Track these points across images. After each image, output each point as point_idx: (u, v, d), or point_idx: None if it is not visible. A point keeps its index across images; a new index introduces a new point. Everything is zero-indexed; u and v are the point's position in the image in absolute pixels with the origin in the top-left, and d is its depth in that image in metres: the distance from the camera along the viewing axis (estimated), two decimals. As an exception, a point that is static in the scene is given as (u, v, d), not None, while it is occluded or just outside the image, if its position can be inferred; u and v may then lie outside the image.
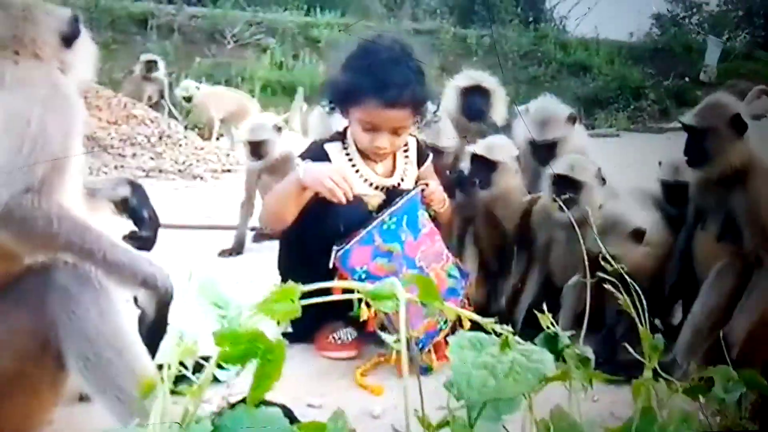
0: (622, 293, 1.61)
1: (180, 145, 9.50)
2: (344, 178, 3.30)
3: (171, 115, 11.02)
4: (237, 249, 5.56)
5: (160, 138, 9.36)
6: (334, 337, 3.45)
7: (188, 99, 11.15)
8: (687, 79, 19.40)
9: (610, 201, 3.35)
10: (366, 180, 3.51)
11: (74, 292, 2.15)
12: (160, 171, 8.87)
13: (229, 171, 8.79)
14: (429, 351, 3.24)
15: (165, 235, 2.63)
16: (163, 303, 2.29)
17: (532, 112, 4.01)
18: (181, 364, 1.31)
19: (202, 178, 8.91)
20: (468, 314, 1.43)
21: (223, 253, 5.49)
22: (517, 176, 3.79)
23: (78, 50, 2.36)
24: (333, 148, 3.55)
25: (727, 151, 3.09)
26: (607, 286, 1.59)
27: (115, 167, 8.63)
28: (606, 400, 2.75)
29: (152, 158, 9.09)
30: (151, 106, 10.51)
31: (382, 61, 3.36)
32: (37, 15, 2.36)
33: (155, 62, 11.40)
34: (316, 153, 3.55)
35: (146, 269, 2.23)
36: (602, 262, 1.73)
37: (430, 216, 3.48)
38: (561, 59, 19.93)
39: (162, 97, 11.27)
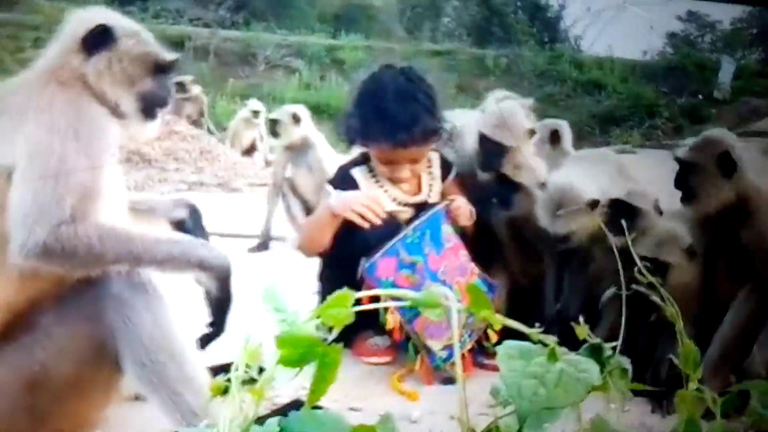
0: (666, 304, 1.58)
1: (219, 160, 9.63)
2: (374, 199, 3.30)
3: (210, 132, 11.09)
4: (264, 242, 5.90)
5: (201, 153, 9.50)
6: (370, 344, 3.45)
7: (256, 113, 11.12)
8: (701, 96, 19.18)
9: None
10: (395, 200, 3.50)
11: (128, 300, 2.16)
12: (202, 184, 8.99)
13: (264, 185, 8.85)
14: (452, 363, 3.23)
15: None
16: (223, 279, 2.31)
17: (497, 108, 3.69)
18: (247, 366, 1.34)
19: (240, 190, 9.04)
20: (515, 324, 1.41)
21: (253, 249, 5.82)
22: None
23: (105, 60, 2.31)
24: (359, 173, 3.53)
25: (711, 189, 2.93)
26: (654, 298, 1.56)
27: (159, 180, 8.78)
28: (636, 411, 2.74)
29: (194, 172, 9.21)
30: (191, 124, 10.60)
31: (390, 98, 3.31)
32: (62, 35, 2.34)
33: (182, 84, 11.39)
34: (344, 178, 3.54)
35: (199, 253, 2.25)
36: (637, 275, 1.69)
37: (457, 231, 3.45)
38: (576, 78, 19.83)
39: (201, 115, 11.34)
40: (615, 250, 1.61)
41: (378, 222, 3.22)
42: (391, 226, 3.35)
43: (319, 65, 18.53)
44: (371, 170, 3.52)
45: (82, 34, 2.32)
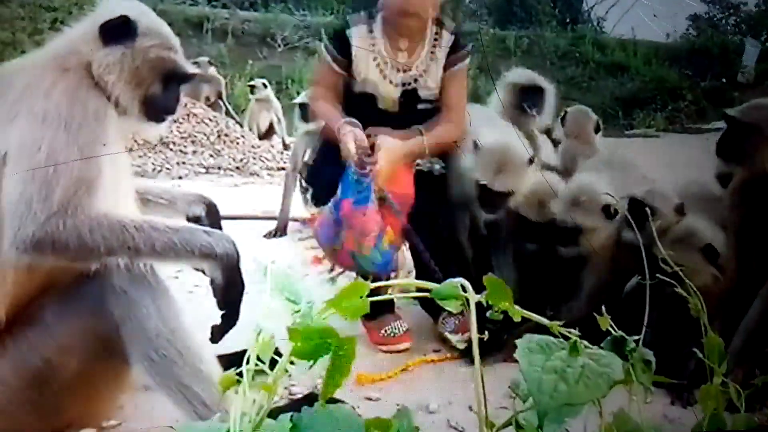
0: (690, 295, 1.54)
1: (237, 144, 9.59)
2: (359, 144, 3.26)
3: (228, 114, 11.06)
4: (281, 228, 5.77)
5: (219, 136, 9.47)
6: (386, 331, 3.45)
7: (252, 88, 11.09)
8: (724, 80, 18.96)
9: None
10: (382, 72, 3.47)
11: (131, 295, 2.13)
12: (220, 168, 8.97)
13: (282, 169, 8.84)
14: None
15: (225, 226, 2.60)
16: (229, 267, 2.23)
17: (491, 148, 3.49)
18: (258, 358, 1.31)
19: (258, 175, 9.01)
20: (536, 317, 1.38)
21: (268, 235, 5.71)
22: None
23: (119, 54, 2.24)
24: (357, 32, 3.49)
25: (763, 152, 2.92)
26: (678, 290, 1.53)
27: (177, 163, 8.78)
28: (657, 402, 2.69)
29: (212, 156, 9.19)
30: (209, 106, 10.57)
31: None
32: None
33: (197, 63, 11.35)
34: (338, 38, 3.50)
35: (201, 241, 2.18)
36: (662, 265, 1.66)
37: (383, 197, 3.35)
38: (598, 60, 19.66)
39: (219, 97, 11.29)
40: (641, 246, 1.57)
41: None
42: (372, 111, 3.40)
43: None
44: (371, 32, 3.48)
45: (103, 21, 2.28)
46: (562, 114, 4.33)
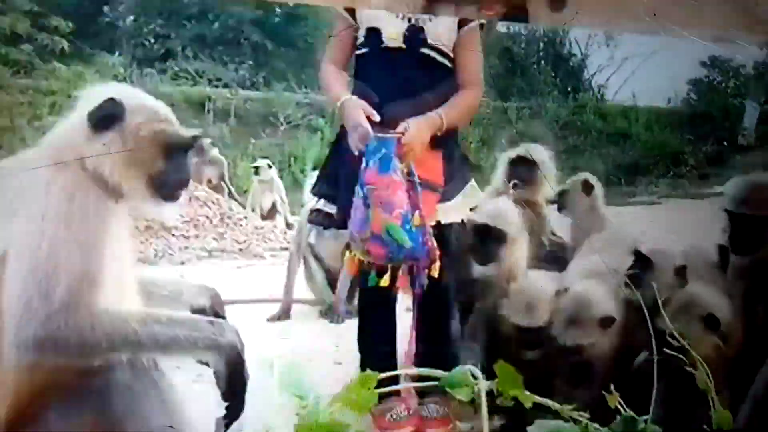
0: (697, 368, 1.56)
1: (240, 225, 9.65)
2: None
3: (231, 196, 11.18)
4: (284, 312, 5.76)
5: (222, 219, 9.55)
6: (392, 416, 3.41)
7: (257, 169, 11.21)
8: (725, 143, 19.14)
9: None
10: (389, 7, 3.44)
11: (135, 390, 2.10)
12: (223, 251, 9.01)
13: (285, 249, 8.90)
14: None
15: (229, 310, 2.60)
16: (233, 358, 2.19)
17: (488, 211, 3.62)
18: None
19: (261, 256, 9.06)
20: (548, 402, 1.40)
21: (272, 318, 5.70)
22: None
23: (110, 140, 2.20)
24: None
25: None
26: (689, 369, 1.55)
27: (180, 249, 8.82)
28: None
29: (215, 239, 9.23)
30: (211, 188, 10.70)
31: None
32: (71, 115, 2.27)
33: (201, 147, 11.50)
34: None
35: (205, 334, 2.16)
36: (669, 339, 1.68)
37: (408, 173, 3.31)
38: (600, 128, 19.86)
39: (222, 179, 11.42)
40: (648, 320, 1.60)
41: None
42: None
43: (341, 122, 18.66)
44: None
45: (90, 108, 2.25)
46: (566, 185, 4.40)
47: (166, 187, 2.33)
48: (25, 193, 2.12)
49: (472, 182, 3.74)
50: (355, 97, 3.30)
